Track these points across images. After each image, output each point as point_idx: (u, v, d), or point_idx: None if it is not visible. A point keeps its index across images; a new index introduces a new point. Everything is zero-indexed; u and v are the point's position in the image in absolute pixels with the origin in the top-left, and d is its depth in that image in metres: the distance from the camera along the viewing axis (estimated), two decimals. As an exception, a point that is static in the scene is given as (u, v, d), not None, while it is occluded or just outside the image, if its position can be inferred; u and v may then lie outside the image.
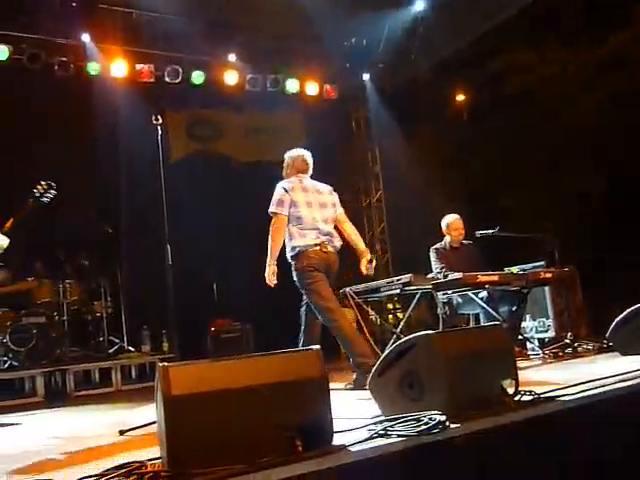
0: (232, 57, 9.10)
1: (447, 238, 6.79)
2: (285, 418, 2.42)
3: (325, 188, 5.41)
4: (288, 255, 5.09)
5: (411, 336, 3.05)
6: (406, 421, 2.69)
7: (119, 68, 8.46)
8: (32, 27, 7.92)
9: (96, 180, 8.35)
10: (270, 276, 5.05)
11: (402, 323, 6.37)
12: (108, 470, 2.33)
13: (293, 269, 5.10)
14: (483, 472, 2.71)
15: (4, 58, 7.71)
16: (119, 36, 8.41)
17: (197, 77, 8.93)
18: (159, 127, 4.51)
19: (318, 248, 5.01)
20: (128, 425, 3.81)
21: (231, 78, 9.16)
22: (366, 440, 2.58)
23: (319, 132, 10.07)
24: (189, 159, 9.65)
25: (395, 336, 6.04)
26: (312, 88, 9.84)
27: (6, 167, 8.04)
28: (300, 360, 2.58)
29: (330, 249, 5.08)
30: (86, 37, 8.17)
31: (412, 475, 2.55)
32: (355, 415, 3.13)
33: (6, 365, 7.23)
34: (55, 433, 4.31)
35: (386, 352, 3.17)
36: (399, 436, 2.58)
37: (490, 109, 11.56)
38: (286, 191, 5.12)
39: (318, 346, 2.60)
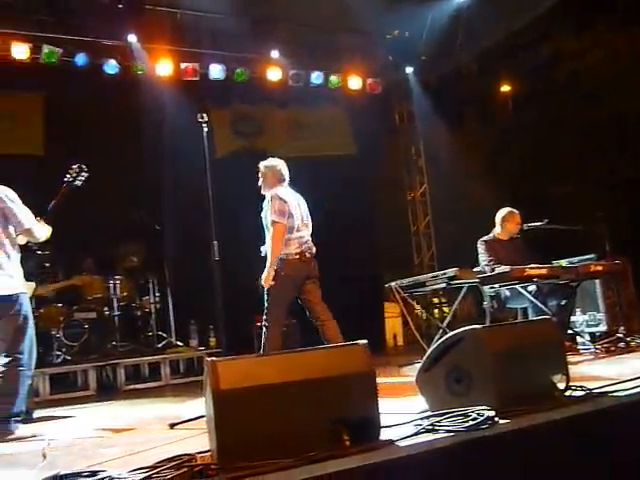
0: (275, 53, 9.12)
1: (497, 230, 6.67)
2: (332, 412, 2.42)
3: (301, 198, 5.63)
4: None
5: (458, 330, 3.02)
6: (454, 416, 2.67)
7: (164, 67, 8.58)
8: (80, 29, 8.10)
9: (143, 178, 8.49)
10: (269, 281, 5.23)
11: (448, 317, 6.31)
12: (159, 462, 2.37)
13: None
14: (530, 469, 2.67)
15: (54, 60, 7.88)
16: (164, 36, 8.53)
17: (240, 74, 8.99)
18: (204, 124, 4.54)
19: (298, 257, 5.28)
20: (177, 418, 3.88)
21: (274, 74, 9.20)
22: (413, 435, 2.57)
23: (362, 127, 10.04)
24: (233, 156, 9.72)
25: (441, 331, 6.00)
26: (355, 82, 9.80)
27: (56, 167, 8.25)
28: (347, 355, 2.58)
29: (308, 256, 5.36)
30: (132, 38, 8.31)
31: (459, 471, 2.53)
32: (402, 410, 3.12)
33: (60, 359, 7.43)
34: (107, 426, 4.41)
35: (433, 347, 3.14)
36: (447, 431, 2.56)
37: (536, 97, 11.33)
38: (284, 202, 5.32)
39: (365, 341, 2.60)
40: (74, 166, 4.97)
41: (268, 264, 5.22)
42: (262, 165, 5.64)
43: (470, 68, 10.41)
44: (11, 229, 4.31)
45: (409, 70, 10.35)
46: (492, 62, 10.70)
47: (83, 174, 4.99)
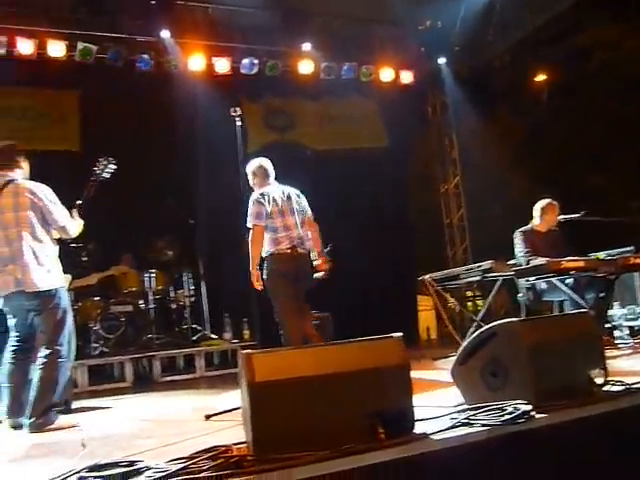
0: (307, 46, 9.11)
1: (535, 221, 6.58)
2: (367, 405, 2.43)
3: (293, 192, 5.64)
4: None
5: (493, 324, 3.00)
6: (490, 410, 2.65)
7: (197, 62, 8.63)
8: (114, 27, 8.20)
9: (176, 172, 8.56)
10: (255, 283, 5.28)
11: (483, 310, 6.26)
12: (196, 453, 2.40)
13: (264, 272, 5.35)
14: (565, 464, 2.64)
15: (89, 57, 7.99)
16: (196, 31, 8.59)
17: (272, 67, 9.00)
18: (237, 118, 4.56)
19: (289, 252, 5.33)
20: (212, 410, 3.92)
21: (306, 67, 9.19)
22: (449, 429, 2.56)
23: (395, 119, 10.00)
24: (265, 149, 9.75)
25: (475, 324, 5.95)
26: (387, 74, 9.75)
27: (91, 162, 8.38)
28: (381, 347, 2.58)
29: (301, 251, 5.40)
30: (165, 33, 8.37)
31: (494, 465, 2.51)
32: (436, 403, 3.11)
33: (97, 351, 7.56)
34: (144, 417, 4.48)
35: (468, 340, 3.12)
36: (482, 425, 2.55)
37: (571, 87, 11.14)
38: (261, 204, 5.36)
39: (400, 334, 2.60)
40: (101, 159, 5.04)
41: (250, 267, 5.30)
42: (248, 168, 5.60)
43: (503, 58, 10.27)
44: (48, 226, 4.40)
45: (442, 61, 10.24)
46: (525, 52, 10.54)
47: (111, 166, 5.05)
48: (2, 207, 4.29)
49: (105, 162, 5.03)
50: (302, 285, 5.46)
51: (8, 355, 4.39)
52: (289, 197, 5.58)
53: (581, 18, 10.00)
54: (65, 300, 4.39)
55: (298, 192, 5.73)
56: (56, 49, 7.86)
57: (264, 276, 5.35)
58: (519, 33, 9.69)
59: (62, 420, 4.23)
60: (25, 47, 7.71)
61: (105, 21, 8.19)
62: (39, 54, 7.82)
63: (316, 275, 5.59)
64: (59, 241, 4.56)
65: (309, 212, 5.69)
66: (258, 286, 5.35)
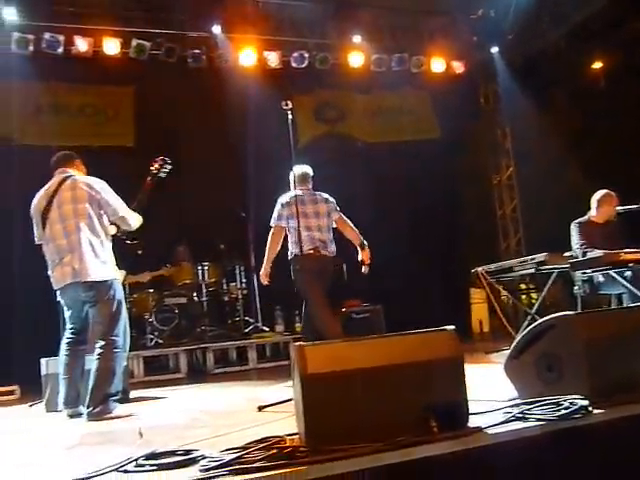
0: (357, 38, 9.07)
1: (592, 213, 6.41)
2: (420, 398, 2.41)
3: (321, 197, 5.96)
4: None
5: (549, 317, 2.94)
6: (545, 405, 2.60)
7: (248, 56, 8.70)
8: (167, 23, 8.32)
9: (228, 165, 8.66)
10: (263, 277, 5.86)
11: (537, 303, 6.14)
12: (249, 444, 2.43)
13: (292, 273, 5.77)
14: (622, 463, 2.57)
15: (143, 54, 8.13)
16: (247, 25, 8.65)
17: (322, 60, 8.99)
18: (289, 112, 4.57)
19: (312, 252, 5.67)
20: (265, 402, 3.96)
21: (356, 59, 9.15)
22: (503, 423, 2.53)
23: (447, 109, 9.87)
24: (316, 141, 9.77)
25: (530, 317, 5.84)
26: (439, 65, 9.63)
27: (145, 157, 8.53)
28: (435, 340, 2.56)
29: (324, 253, 5.73)
30: (217, 29, 8.46)
31: (549, 460, 2.47)
32: (490, 397, 3.07)
33: (152, 343, 7.73)
34: (198, 407, 4.56)
35: (522, 333, 3.07)
36: (537, 420, 2.51)
37: (627, 75, 10.77)
38: (283, 206, 5.75)
39: (453, 326, 2.57)
40: (158, 159, 5.14)
41: (264, 262, 5.83)
42: (292, 172, 5.89)
43: (558, 45, 10.00)
44: (105, 219, 4.51)
45: (494, 50, 10.06)
46: (581, 39, 10.24)
47: (167, 166, 5.16)
48: (61, 201, 4.42)
49: (161, 162, 5.13)
50: (323, 285, 5.76)
51: (64, 347, 4.53)
52: (316, 201, 5.89)
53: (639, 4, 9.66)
54: (120, 292, 4.50)
55: (327, 196, 6.02)
56: (111, 47, 8.03)
57: (292, 277, 5.73)
58: (574, 18, 9.43)
59: (120, 409, 4.35)
60: (82, 45, 7.89)
61: (158, 18, 8.32)
62: (95, 52, 8.00)
63: (363, 270, 5.95)
64: (113, 237, 4.67)
65: (336, 214, 5.99)
66: (265, 281, 5.89)
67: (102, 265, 4.39)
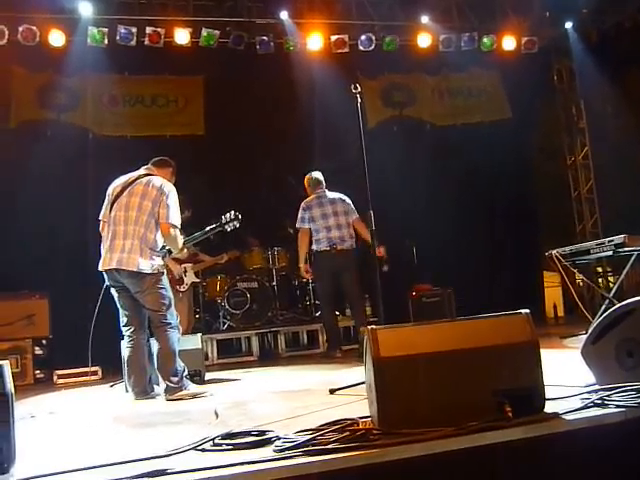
0: (424, 19, 8.91)
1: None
2: (494, 383, 2.38)
3: (337, 197, 6.79)
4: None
5: (630, 300, 2.83)
6: (625, 391, 2.52)
7: (315, 41, 8.69)
8: (235, 11, 8.39)
9: (296, 150, 8.71)
10: (304, 273, 6.97)
11: (615, 287, 5.93)
12: (322, 425, 2.46)
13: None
14: None
15: (212, 42, 8.24)
16: (314, 10, 8.63)
17: (390, 43, 8.88)
18: (358, 95, 4.54)
19: (328, 249, 6.54)
20: (335, 384, 3.99)
21: (424, 40, 8.99)
22: (580, 409, 2.47)
23: (518, 89, 9.61)
24: (383, 125, 9.70)
25: (607, 301, 5.66)
26: (509, 43, 9.34)
27: (215, 145, 8.70)
28: (509, 324, 2.52)
29: (340, 248, 6.54)
30: (284, 15, 8.48)
31: (630, 448, 2.39)
32: (566, 383, 3.00)
33: (225, 326, 7.90)
34: (271, 389, 4.64)
35: (601, 318, 2.98)
36: (617, 407, 2.43)
37: None
38: (304, 210, 6.74)
39: (527, 310, 2.52)
40: (232, 212, 5.21)
41: (299, 261, 6.85)
42: (305, 178, 6.92)
43: (635, 20, 9.55)
44: (160, 217, 4.62)
45: (568, 25, 9.68)
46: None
47: (235, 223, 5.22)
48: (133, 192, 4.65)
49: (233, 217, 5.21)
50: (346, 277, 6.57)
51: (125, 343, 4.75)
52: (333, 202, 6.72)
53: None
54: (165, 282, 4.66)
55: (343, 197, 6.78)
56: (181, 37, 8.17)
57: (311, 269, 6.86)
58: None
59: (195, 387, 4.54)
60: (153, 36, 8.06)
61: (226, 6, 8.41)
62: (166, 43, 8.16)
63: (384, 269, 6.54)
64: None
65: (354, 216, 6.71)
66: (308, 276, 7.06)
67: (149, 258, 4.55)
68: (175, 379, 4.44)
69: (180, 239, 4.75)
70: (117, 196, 4.67)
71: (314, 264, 6.81)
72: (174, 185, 4.82)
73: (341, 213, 6.68)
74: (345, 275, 6.60)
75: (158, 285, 4.58)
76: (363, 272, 6.45)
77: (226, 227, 5.23)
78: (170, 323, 4.58)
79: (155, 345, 4.61)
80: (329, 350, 6.86)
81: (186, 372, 4.62)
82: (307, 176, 6.96)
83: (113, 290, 4.72)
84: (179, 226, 4.70)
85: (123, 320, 4.72)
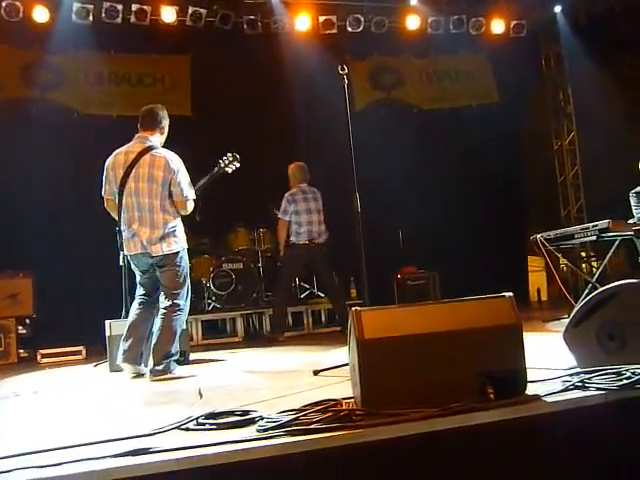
0: (414, 1, 8.86)
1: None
2: (477, 365, 2.40)
3: (318, 194, 7.07)
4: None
5: (612, 285, 2.86)
6: (606, 374, 2.56)
7: (303, 22, 8.62)
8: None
9: (284, 131, 8.67)
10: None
11: (598, 272, 5.99)
12: (306, 406, 2.48)
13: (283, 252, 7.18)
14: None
15: (201, 22, 8.15)
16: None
17: (378, 24, 8.83)
18: (345, 77, 4.51)
19: (307, 242, 6.86)
20: (320, 366, 4.01)
21: (413, 22, 8.96)
22: (561, 391, 2.50)
23: (506, 72, 9.59)
24: (371, 108, 9.67)
25: (590, 285, 5.71)
26: (498, 26, 9.32)
27: (203, 126, 8.63)
28: (492, 307, 2.53)
29: (318, 241, 6.91)
30: (272, -6, 8.41)
31: (609, 430, 2.43)
32: (549, 366, 3.03)
33: (210, 307, 7.90)
34: (255, 370, 4.65)
35: (583, 302, 3.00)
36: (598, 389, 2.47)
37: None
38: (289, 203, 6.95)
39: (510, 293, 2.54)
40: (229, 154, 5.25)
41: (281, 249, 7.16)
42: (291, 168, 7.13)
43: (625, 4, 9.54)
44: (174, 196, 4.61)
45: (557, 9, 9.66)
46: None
47: (235, 163, 5.28)
48: (138, 176, 4.56)
49: (232, 158, 5.25)
50: (321, 266, 7.03)
51: (135, 306, 4.73)
52: (316, 198, 6.99)
53: None
54: (185, 261, 4.68)
55: (317, 191, 7.06)
56: (168, 15, 8.08)
57: (282, 255, 7.17)
58: (643, -25, 8.97)
59: (180, 370, 4.52)
60: (139, 14, 7.96)
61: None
62: (152, 21, 8.07)
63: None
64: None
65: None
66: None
67: (170, 238, 4.56)
68: (165, 362, 4.41)
69: (192, 200, 4.72)
70: (123, 181, 4.56)
71: (288, 252, 7.05)
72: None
73: (320, 209, 6.99)
74: (320, 265, 7.03)
75: (177, 262, 4.57)
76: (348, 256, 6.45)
77: (227, 169, 5.26)
78: (179, 305, 4.55)
79: (157, 324, 4.55)
80: (274, 333, 7.06)
81: (177, 356, 4.60)
82: (293, 165, 7.09)
83: (136, 270, 4.72)
84: (194, 196, 4.70)
85: (140, 290, 4.73)
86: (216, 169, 5.25)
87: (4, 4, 7.36)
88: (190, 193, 4.67)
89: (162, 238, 4.52)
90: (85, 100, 8.56)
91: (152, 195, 4.53)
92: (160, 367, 4.39)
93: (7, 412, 2.86)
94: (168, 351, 4.44)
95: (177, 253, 4.59)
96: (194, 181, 4.91)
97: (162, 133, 4.82)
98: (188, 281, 4.70)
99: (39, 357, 6.68)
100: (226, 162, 5.27)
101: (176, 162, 4.64)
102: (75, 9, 7.65)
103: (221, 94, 8.60)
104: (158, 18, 8.07)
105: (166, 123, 4.86)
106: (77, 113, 8.45)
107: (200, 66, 8.93)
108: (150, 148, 4.63)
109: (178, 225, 4.67)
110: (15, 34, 7.82)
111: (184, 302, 4.61)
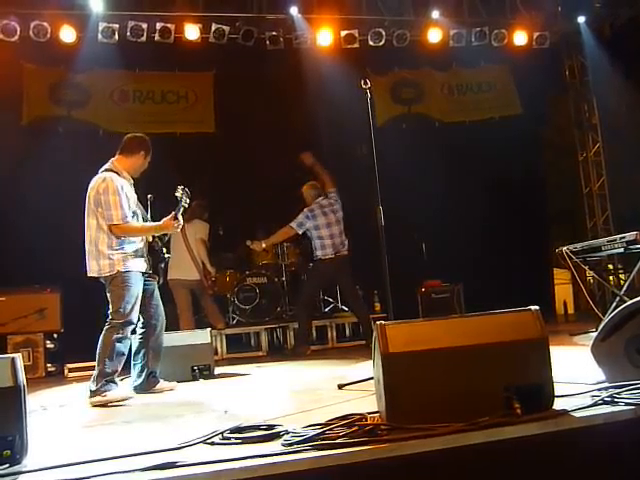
0: (435, 14, 8.87)
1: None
2: (503, 379, 2.38)
3: (337, 204, 7.11)
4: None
5: (640, 298, 2.82)
6: (635, 388, 2.51)
7: (325, 37, 8.67)
8: (246, 6, 8.38)
9: (305, 146, 8.69)
10: (255, 246, 7.32)
11: (626, 284, 5.90)
12: (331, 420, 2.47)
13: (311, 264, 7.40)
14: None
15: (223, 39, 8.25)
16: (324, 5, 8.60)
17: (400, 38, 8.84)
18: (367, 91, 4.52)
19: (333, 256, 6.87)
20: (344, 380, 4.01)
21: (434, 35, 8.95)
22: (590, 406, 2.47)
23: (529, 85, 9.54)
24: (393, 122, 9.67)
25: (618, 298, 5.63)
26: (521, 38, 9.27)
27: (226, 142, 8.70)
28: (518, 320, 2.51)
29: (343, 253, 6.95)
30: (294, 10, 8.46)
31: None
32: (576, 380, 2.99)
33: (234, 321, 7.92)
34: (280, 384, 4.65)
35: (611, 315, 2.96)
36: (627, 404, 2.43)
37: None
38: (308, 218, 6.98)
39: (536, 306, 2.52)
40: (179, 187, 4.81)
41: (269, 239, 7.23)
42: (303, 191, 7.18)
43: (650, 14, 9.46)
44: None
45: (581, 20, 9.60)
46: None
47: (185, 197, 4.79)
48: (87, 197, 4.64)
49: (182, 191, 4.80)
50: (344, 280, 7.07)
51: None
52: (336, 210, 7.02)
53: None
54: (126, 281, 4.49)
55: (335, 200, 7.10)
56: (192, 32, 8.18)
57: (309, 271, 7.52)
58: (668, -15, 8.90)
59: (115, 391, 4.33)
60: (164, 32, 8.07)
61: (236, 1, 8.40)
62: (176, 38, 8.18)
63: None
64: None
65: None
66: (257, 247, 7.28)
67: (105, 261, 4.51)
68: (97, 383, 4.25)
69: (134, 226, 4.61)
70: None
71: (315, 268, 7.18)
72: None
73: (340, 219, 7.02)
74: (343, 278, 7.05)
75: (118, 285, 4.47)
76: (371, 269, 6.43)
77: (183, 204, 4.80)
78: (115, 321, 4.41)
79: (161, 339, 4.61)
80: (298, 347, 7.09)
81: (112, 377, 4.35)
82: (304, 187, 7.20)
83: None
84: (122, 221, 4.51)
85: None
86: (178, 209, 4.77)
87: (32, 25, 7.51)
88: (115, 218, 4.49)
89: (95, 259, 4.55)
90: (110, 118, 8.68)
91: (89, 214, 4.63)
92: (94, 388, 4.24)
93: (36, 426, 2.90)
94: (102, 371, 4.28)
95: (112, 276, 4.48)
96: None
97: (138, 162, 4.83)
98: (134, 299, 4.52)
99: (66, 371, 6.76)
100: (180, 196, 4.78)
101: (104, 185, 4.55)
102: (101, 28, 7.78)
103: (244, 110, 8.67)
104: (182, 36, 8.17)
105: (147, 154, 4.85)
106: (102, 131, 8.57)
107: (223, 82, 9.02)
108: (104, 171, 4.70)
109: (116, 246, 4.55)
110: (43, 54, 7.99)
111: (121, 320, 4.43)
